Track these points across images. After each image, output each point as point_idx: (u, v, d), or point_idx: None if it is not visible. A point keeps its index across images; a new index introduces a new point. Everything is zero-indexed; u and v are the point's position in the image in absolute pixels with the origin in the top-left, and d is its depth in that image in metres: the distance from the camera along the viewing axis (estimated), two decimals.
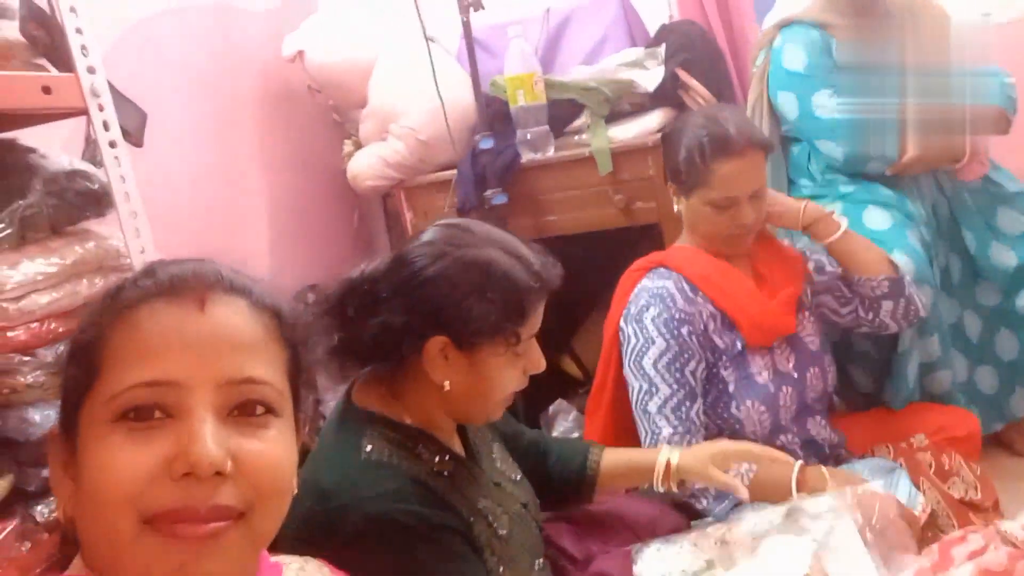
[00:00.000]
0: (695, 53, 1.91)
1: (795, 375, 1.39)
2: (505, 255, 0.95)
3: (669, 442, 1.26)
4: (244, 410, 0.56)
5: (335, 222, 2.33)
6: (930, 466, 1.45)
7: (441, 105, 1.80)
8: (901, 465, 1.41)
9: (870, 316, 1.47)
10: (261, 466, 0.55)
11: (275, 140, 2.12)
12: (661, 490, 1.17)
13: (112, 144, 0.88)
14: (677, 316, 1.32)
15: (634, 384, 1.33)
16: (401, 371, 0.97)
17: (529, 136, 1.83)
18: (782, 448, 1.34)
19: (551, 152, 1.84)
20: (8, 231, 0.79)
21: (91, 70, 0.85)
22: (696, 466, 1.13)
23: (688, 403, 1.29)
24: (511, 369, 0.96)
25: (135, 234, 0.89)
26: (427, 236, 0.97)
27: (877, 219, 1.63)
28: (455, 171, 1.90)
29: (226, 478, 0.53)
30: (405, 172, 1.97)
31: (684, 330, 1.31)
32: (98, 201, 0.90)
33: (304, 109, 2.21)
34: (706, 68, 1.92)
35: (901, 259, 1.52)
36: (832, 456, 1.43)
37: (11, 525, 0.74)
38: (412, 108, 1.92)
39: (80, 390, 0.55)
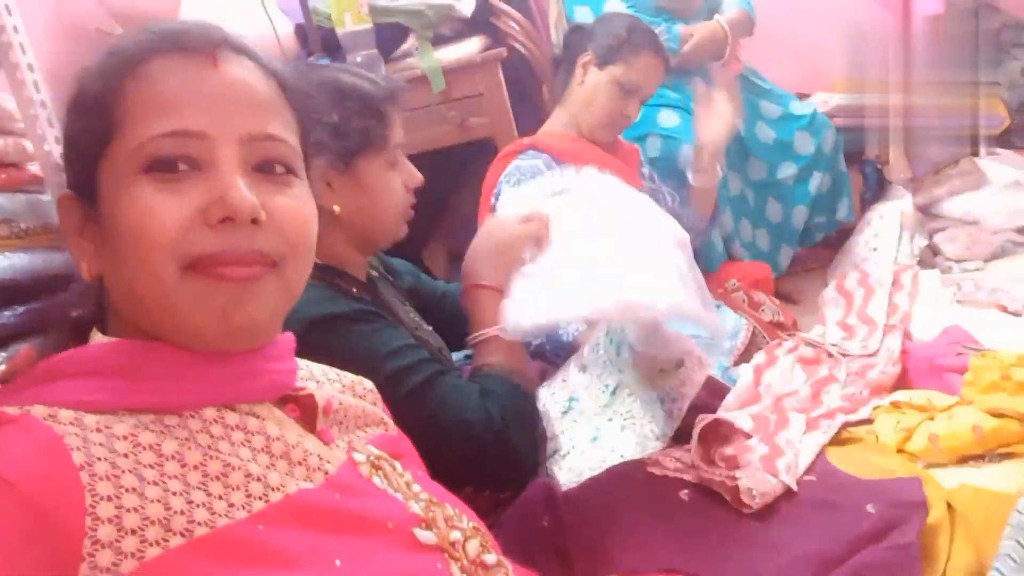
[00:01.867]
0: None
1: None
2: (346, 72, 1.02)
3: None
4: (266, 168, 0.57)
5: None
6: (744, 301, 1.78)
7: (272, 27, 1.78)
8: (722, 304, 1.72)
9: None
10: (291, 218, 0.57)
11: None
12: None
13: None
14: None
15: None
16: None
17: (360, 59, 1.87)
18: None
19: (382, 74, 1.91)
20: None
21: None
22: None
23: None
24: (395, 181, 1.03)
25: (33, 87, 0.83)
26: None
27: (669, 119, 1.95)
28: None
29: (261, 227, 0.54)
30: None
31: None
32: None
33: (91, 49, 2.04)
34: None
35: (691, 150, 1.84)
36: None
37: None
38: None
39: (96, 145, 0.55)
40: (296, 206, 0.58)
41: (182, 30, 0.57)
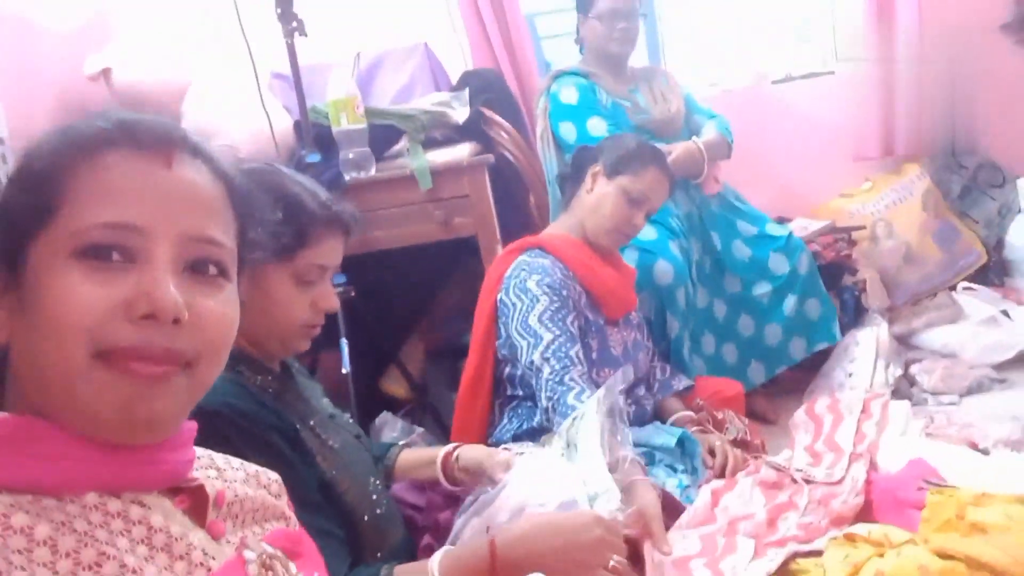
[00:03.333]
0: (495, 94, 2.20)
1: (633, 353, 1.67)
2: (295, 182, 1.03)
3: (547, 380, 1.42)
4: (198, 268, 0.57)
5: None
6: (708, 420, 1.76)
7: (269, 123, 1.86)
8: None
9: None
10: (213, 321, 0.57)
11: None
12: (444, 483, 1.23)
13: None
14: (557, 282, 1.52)
15: (521, 343, 1.48)
16: None
17: (352, 156, 1.94)
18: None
19: (373, 171, 1.97)
20: None
21: None
22: (471, 455, 1.20)
23: (568, 344, 1.46)
24: (298, 296, 1.01)
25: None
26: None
27: (647, 233, 2.00)
28: None
29: (181, 327, 0.54)
30: None
31: (564, 292, 1.51)
32: None
33: None
34: (504, 108, 2.21)
35: (665, 266, 1.91)
36: (649, 417, 1.68)
37: None
38: (232, 127, 1.95)
39: (32, 220, 0.55)
40: (220, 310, 0.58)
41: (140, 125, 0.58)
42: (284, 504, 0.73)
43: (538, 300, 1.49)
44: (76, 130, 0.58)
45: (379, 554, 1.04)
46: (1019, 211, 2.47)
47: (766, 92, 2.61)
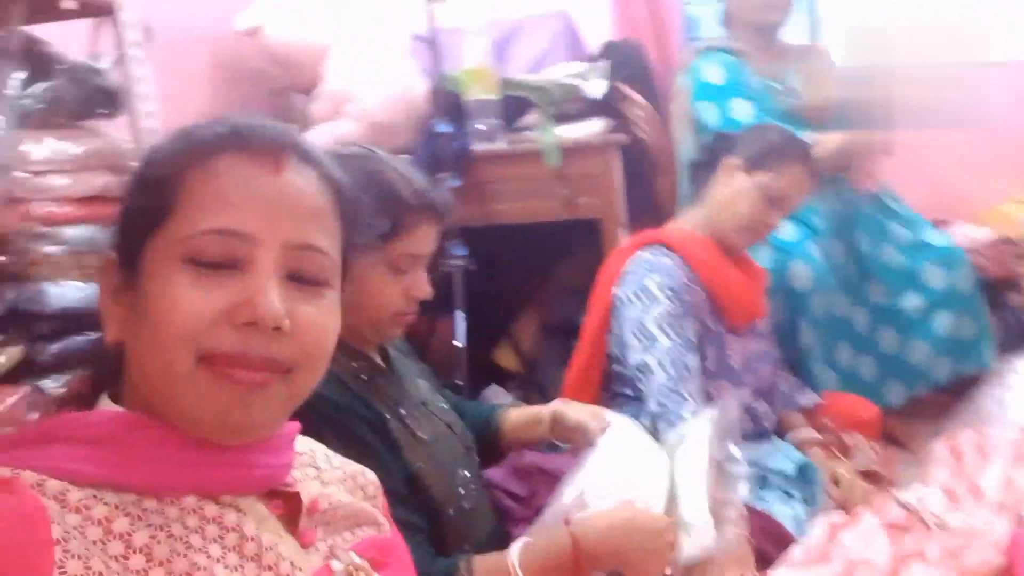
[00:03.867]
0: (634, 69, 2.09)
1: (755, 365, 1.56)
2: (391, 169, 1.00)
3: (660, 387, 1.35)
4: (302, 276, 0.58)
5: None
6: (834, 444, 1.63)
7: (402, 91, 1.86)
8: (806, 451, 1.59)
9: None
10: (313, 329, 0.57)
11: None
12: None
13: (134, 44, 0.89)
14: (679, 285, 1.43)
15: (634, 344, 1.42)
16: None
17: (481, 126, 1.92)
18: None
19: (502, 144, 1.94)
20: (37, 107, 0.78)
21: None
22: (580, 413, 1.19)
23: (685, 353, 1.38)
24: (390, 284, 1.00)
25: (149, 134, 0.89)
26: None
27: (786, 231, 1.85)
28: (404, 156, 1.96)
29: (282, 334, 0.55)
30: None
31: (686, 297, 1.43)
32: (113, 100, 0.90)
33: (249, 89, 2.20)
34: (641, 82, 2.10)
35: (803, 268, 1.76)
36: (764, 432, 1.57)
37: (22, 392, 0.72)
38: (367, 92, 1.96)
39: (149, 223, 0.56)
40: (321, 318, 0.59)
41: (255, 130, 0.59)
42: (379, 506, 0.73)
43: (658, 302, 1.41)
44: (194, 134, 0.59)
45: (465, 547, 1.03)
46: None
47: None
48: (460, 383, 1.84)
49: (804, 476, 1.40)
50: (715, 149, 1.60)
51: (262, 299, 0.54)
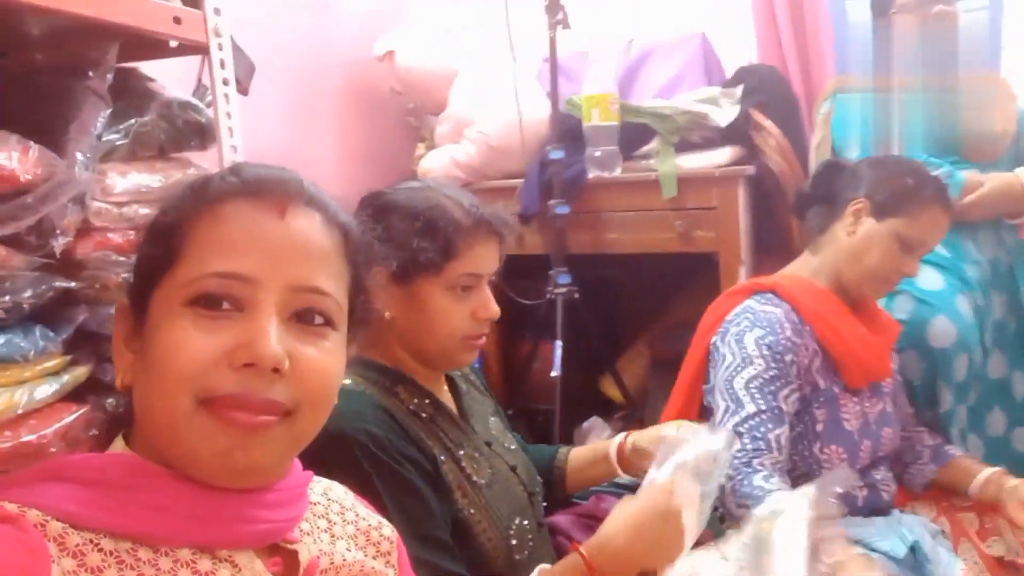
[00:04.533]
0: (771, 96, 1.95)
1: (876, 428, 1.38)
2: (443, 196, 1.00)
3: (733, 458, 1.20)
4: (304, 317, 0.58)
5: None
6: (972, 526, 1.42)
7: (519, 116, 1.86)
8: (943, 531, 1.39)
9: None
10: (314, 371, 0.57)
11: (354, 135, 2.21)
12: (623, 478, 1.18)
13: (225, 82, 0.94)
14: (783, 343, 1.29)
15: (720, 404, 1.30)
16: None
17: (598, 154, 1.87)
18: (847, 492, 1.33)
19: (618, 172, 1.88)
20: (123, 143, 0.85)
21: (217, 12, 0.92)
22: (647, 435, 1.16)
23: (770, 424, 1.23)
24: (455, 307, 0.99)
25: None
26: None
27: (930, 280, 1.62)
28: (521, 180, 1.96)
29: (282, 376, 0.55)
30: (472, 174, 2.03)
31: (788, 358, 1.28)
32: (203, 134, 0.96)
33: (383, 110, 2.30)
34: (780, 111, 1.95)
35: (946, 325, 1.53)
36: (886, 505, 1.40)
37: (82, 410, 0.78)
38: (488, 116, 1.99)
39: (157, 270, 0.58)
40: (323, 360, 0.58)
41: (262, 179, 0.60)
42: (394, 563, 0.71)
43: (752, 362, 1.27)
44: (203, 183, 0.61)
45: None
46: None
47: None
48: (549, 409, 1.81)
49: (915, 558, 1.22)
50: (827, 180, 1.44)
51: (261, 341, 0.54)
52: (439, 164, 2.04)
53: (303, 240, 0.59)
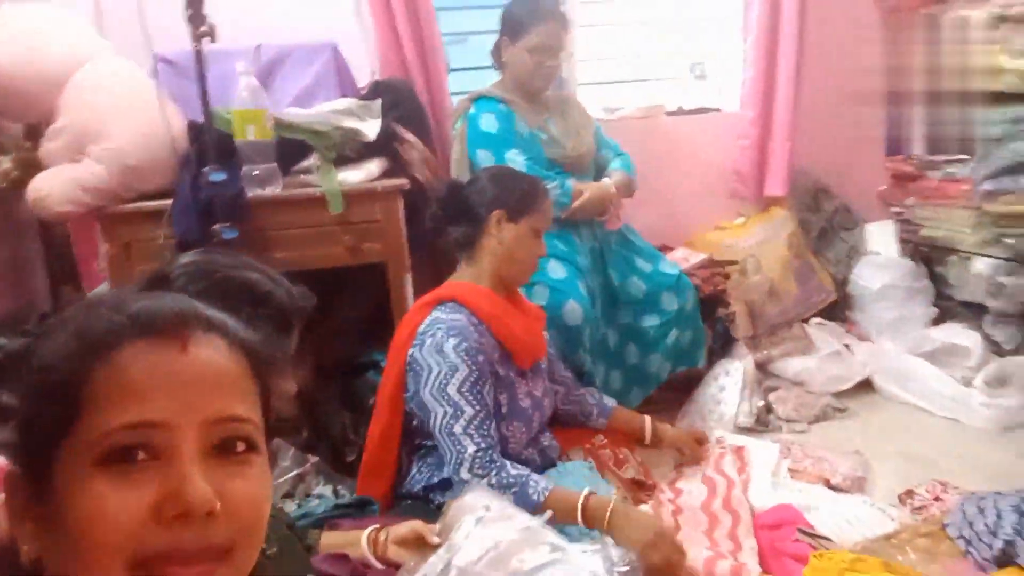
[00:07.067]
0: (407, 109, 2.13)
1: (540, 401, 1.69)
2: (257, 275, 1.02)
3: (474, 458, 1.42)
4: (225, 448, 0.56)
5: None
6: (610, 459, 1.87)
7: (167, 129, 1.69)
8: (591, 467, 1.80)
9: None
10: (246, 504, 0.56)
11: None
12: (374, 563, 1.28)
13: None
14: (475, 345, 1.50)
15: (437, 410, 1.46)
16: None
17: (257, 172, 1.82)
18: (528, 458, 1.62)
19: (279, 189, 1.86)
20: None
21: None
22: (404, 526, 1.28)
23: (488, 421, 1.46)
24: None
25: None
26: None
27: (557, 270, 2.05)
28: (167, 201, 1.79)
29: (215, 517, 0.53)
30: (104, 198, 1.77)
31: (480, 358, 1.49)
32: None
33: None
34: (415, 122, 2.15)
35: (575, 306, 1.97)
36: (552, 460, 1.74)
37: None
38: (116, 129, 1.75)
39: (56, 429, 0.53)
40: (252, 489, 0.57)
41: (154, 312, 0.56)
42: None
43: (457, 369, 1.47)
44: (90, 328, 0.55)
45: None
46: (865, 253, 2.79)
47: (660, 123, 2.73)
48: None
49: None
50: (458, 202, 1.65)
51: (187, 488, 0.52)
52: (60, 189, 1.72)
53: (211, 371, 0.57)
